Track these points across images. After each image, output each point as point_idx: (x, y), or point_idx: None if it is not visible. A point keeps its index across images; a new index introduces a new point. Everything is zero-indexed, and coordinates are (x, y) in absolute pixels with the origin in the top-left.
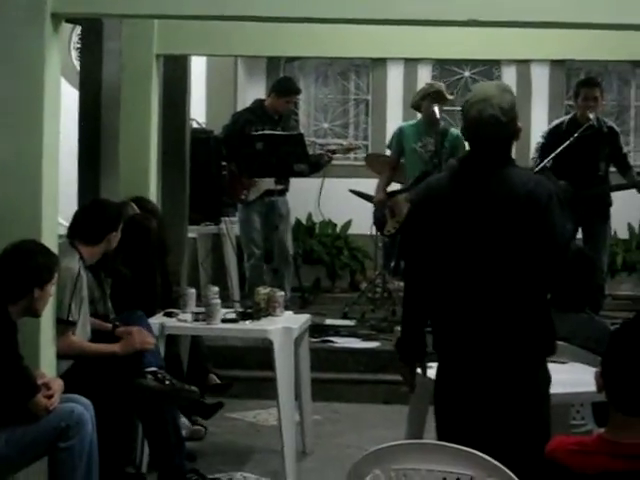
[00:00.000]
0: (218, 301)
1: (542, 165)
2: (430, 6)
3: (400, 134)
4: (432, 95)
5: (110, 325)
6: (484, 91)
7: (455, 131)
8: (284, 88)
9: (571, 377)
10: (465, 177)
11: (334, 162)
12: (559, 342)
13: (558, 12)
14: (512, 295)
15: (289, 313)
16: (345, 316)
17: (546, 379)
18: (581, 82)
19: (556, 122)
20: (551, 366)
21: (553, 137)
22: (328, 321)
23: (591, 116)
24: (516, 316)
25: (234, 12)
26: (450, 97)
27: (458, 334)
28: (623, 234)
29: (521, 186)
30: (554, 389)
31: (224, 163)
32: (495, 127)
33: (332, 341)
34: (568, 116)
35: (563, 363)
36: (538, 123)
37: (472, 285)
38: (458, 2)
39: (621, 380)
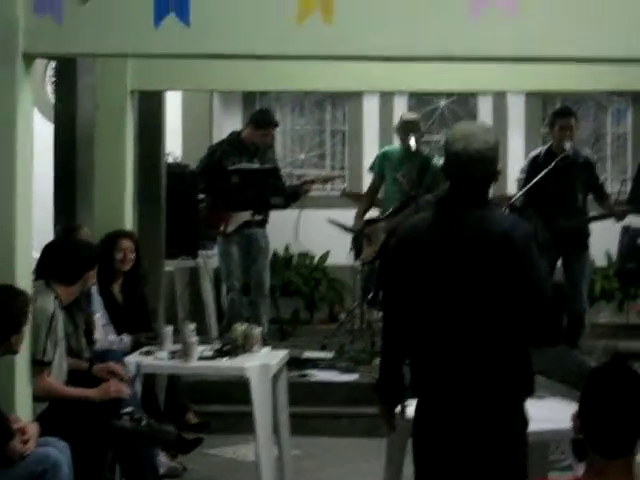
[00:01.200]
0: (195, 339)
1: (521, 199)
2: (403, 42)
3: (384, 158)
4: (406, 126)
5: (87, 364)
6: (468, 129)
7: (437, 163)
8: (261, 121)
9: (549, 413)
10: (444, 216)
11: (311, 193)
12: (537, 376)
13: (531, 46)
14: (490, 336)
15: (267, 349)
16: (324, 348)
17: (524, 423)
18: (556, 112)
19: (533, 154)
20: (529, 401)
21: (532, 169)
22: (307, 353)
23: (567, 146)
24: (495, 357)
25: (206, 50)
26: (421, 128)
27: (436, 374)
28: (601, 262)
29: (498, 227)
30: (533, 426)
31: (202, 196)
32: (479, 163)
33: (311, 374)
34: (544, 147)
35: (541, 398)
36: (515, 153)
37: (450, 325)
38: (431, 38)
39: (599, 423)
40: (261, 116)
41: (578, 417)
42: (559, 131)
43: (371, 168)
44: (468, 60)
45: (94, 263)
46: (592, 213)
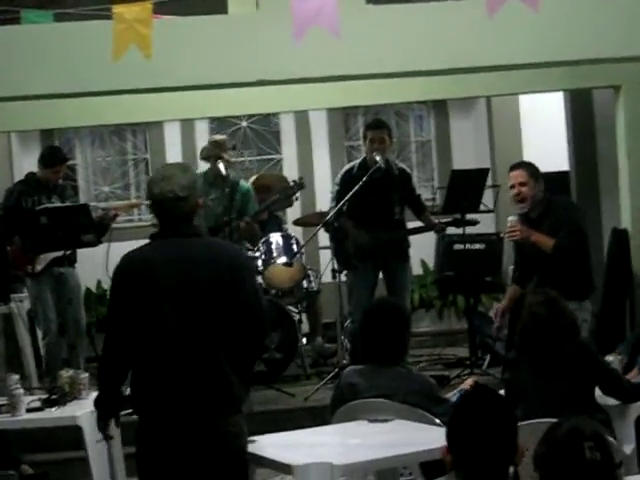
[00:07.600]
0: (21, 391)
1: (337, 210)
2: (221, 70)
3: None
4: (214, 147)
5: None
6: (167, 172)
7: (245, 184)
8: (48, 159)
9: (396, 437)
10: (165, 247)
11: (119, 225)
12: (380, 399)
13: (351, 66)
14: (207, 355)
15: (95, 394)
16: None
17: (240, 432)
18: (368, 125)
19: (347, 167)
20: (374, 426)
21: (346, 182)
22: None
23: (377, 158)
24: (211, 376)
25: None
26: (229, 155)
27: (157, 391)
28: (417, 270)
29: (225, 253)
30: (382, 452)
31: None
32: (175, 201)
33: None
34: (358, 160)
35: (385, 421)
36: (321, 169)
37: (176, 346)
38: (246, 65)
39: (471, 455)
40: (47, 155)
41: (448, 452)
42: (370, 143)
43: None
44: (286, 83)
45: None
46: (411, 225)
